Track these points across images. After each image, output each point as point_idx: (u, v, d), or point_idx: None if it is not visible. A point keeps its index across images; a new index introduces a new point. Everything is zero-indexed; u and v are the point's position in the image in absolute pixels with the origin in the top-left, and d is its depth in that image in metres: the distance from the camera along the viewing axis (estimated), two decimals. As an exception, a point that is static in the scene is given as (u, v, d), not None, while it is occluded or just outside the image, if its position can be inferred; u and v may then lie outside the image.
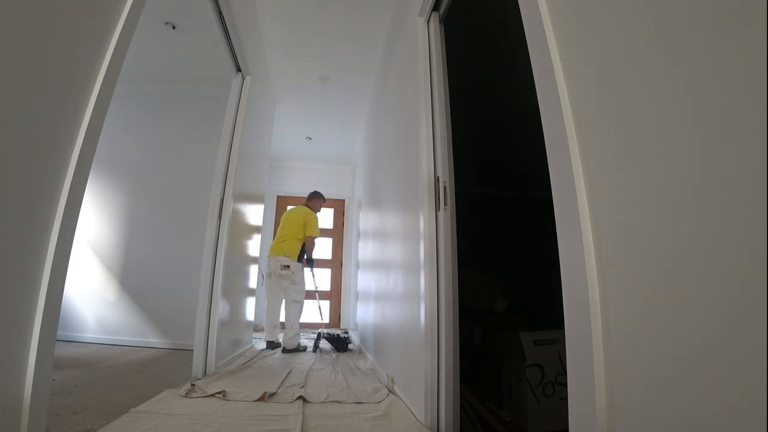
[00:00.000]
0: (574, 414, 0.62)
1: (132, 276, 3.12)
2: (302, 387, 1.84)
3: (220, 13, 2.02)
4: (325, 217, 5.45)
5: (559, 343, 1.54)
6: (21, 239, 0.83)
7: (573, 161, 0.66)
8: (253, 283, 3.15)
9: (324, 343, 3.47)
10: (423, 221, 1.48)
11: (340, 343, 3.31)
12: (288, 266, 3.19)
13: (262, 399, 1.59)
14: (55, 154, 0.91)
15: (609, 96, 0.60)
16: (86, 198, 0.99)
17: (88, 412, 1.32)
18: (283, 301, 3.29)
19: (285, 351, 3.06)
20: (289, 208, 3.98)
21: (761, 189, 0.38)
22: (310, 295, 3.70)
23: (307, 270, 3.43)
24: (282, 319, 3.29)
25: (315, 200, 3.56)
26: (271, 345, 3.19)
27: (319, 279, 4.33)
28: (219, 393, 1.61)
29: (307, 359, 2.78)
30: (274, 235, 3.60)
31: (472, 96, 2.67)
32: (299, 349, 3.15)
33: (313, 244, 3.38)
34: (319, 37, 2.87)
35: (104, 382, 1.79)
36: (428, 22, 1.73)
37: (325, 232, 5.32)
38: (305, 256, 3.36)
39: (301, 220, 3.35)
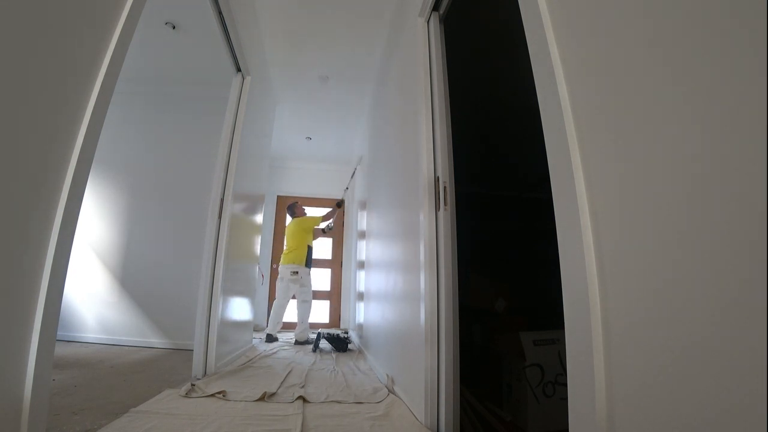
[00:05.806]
0: (574, 414, 0.62)
1: (132, 276, 3.12)
2: (302, 387, 1.84)
3: (220, 13, 2.02)
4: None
5: (559, 343, 1.54)
6: (21, 239, 0.83)
7: (573, 161, 0.66)
8: (253, 283, 3.15)
9: (324, 343, 3.47)
10: (423, 221, 1.48)
11: (340, 343, 3.31)
12: (297, 272, 3.81)
13: (262, 399, 1.59)
14: (55, 154, 0.91)
15: (609, 96, 0.60)
16: (86, 198, 0.99)
17: (88, 412, 1.32)
18: (295, 301, 3.89)
19: (297, 343, 3.60)
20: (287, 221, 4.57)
21: (761, 189, 0.38)
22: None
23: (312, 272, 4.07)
24: (285, 319, 3.90)
25: (297, 209, 4.15)
26: (270, 338, 3.66)
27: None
28: (219, 393, 1.61)
29: (307, 359, 2.78)
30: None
31: (472, 96, 2.67)
32: (309, 341, 3.60)
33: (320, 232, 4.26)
34: (319, 37, 2.87)
35: (104, 382, 1.79)
36: (428, 22, 1.73)
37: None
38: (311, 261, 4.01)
39: (300, 229, 3.98)
